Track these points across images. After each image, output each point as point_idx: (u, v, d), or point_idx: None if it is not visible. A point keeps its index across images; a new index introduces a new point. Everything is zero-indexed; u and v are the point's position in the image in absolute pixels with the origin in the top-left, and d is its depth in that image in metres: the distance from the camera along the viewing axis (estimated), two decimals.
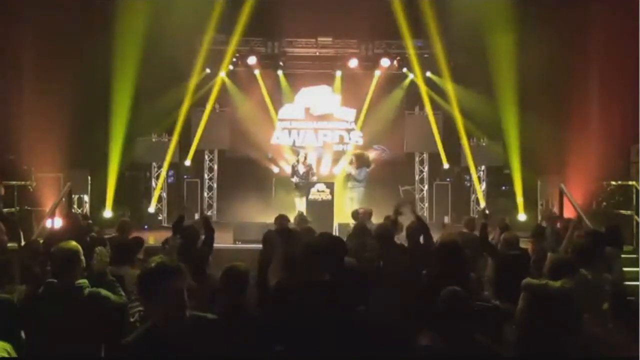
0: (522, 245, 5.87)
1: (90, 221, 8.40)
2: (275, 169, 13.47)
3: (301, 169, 11.00)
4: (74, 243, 3.78)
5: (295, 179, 10.98)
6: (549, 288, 4.15)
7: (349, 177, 11.05)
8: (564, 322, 3.99)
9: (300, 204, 10.75)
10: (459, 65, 12.54)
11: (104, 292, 3.70)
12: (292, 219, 10.29)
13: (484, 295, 5.28)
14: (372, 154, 13.48)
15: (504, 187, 12.94)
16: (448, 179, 13.54)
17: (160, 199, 12.96)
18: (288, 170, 13.11)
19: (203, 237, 5.66)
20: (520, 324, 4.21)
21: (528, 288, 4.27)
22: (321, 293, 3.58)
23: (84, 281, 3.64)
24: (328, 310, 3.45)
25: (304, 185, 10.74)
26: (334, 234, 9.16)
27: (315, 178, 11.12)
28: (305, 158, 11.29)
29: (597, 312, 4.11)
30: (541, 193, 11.88)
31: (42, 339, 3.49)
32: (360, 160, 11.18)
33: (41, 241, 5.78)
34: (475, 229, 6.57)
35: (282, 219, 6.68)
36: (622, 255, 5.98)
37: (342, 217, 10.38)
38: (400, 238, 6.08)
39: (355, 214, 7.95)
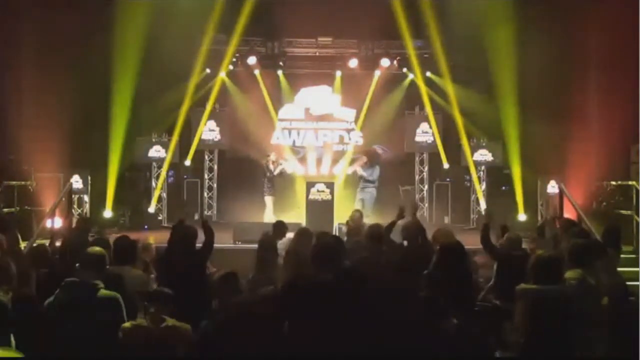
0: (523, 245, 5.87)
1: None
2: (287, 168, 13.42)
3: (274, 169, 10.96)
4: (101, 249, 3.98)
5: (268, 175, 10.95)
6: (547, 292, 3.98)
7: (360, 178, 10.91)
8: (568, 326, 3.92)
9: (270, 202, 10.83)
10: (459, 65, 12.54)
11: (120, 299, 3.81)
12: (292, 215, 10.43)
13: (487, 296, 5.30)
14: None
15: (504, 187, 12.95)
16: (448, 179, 13.55)
17: (160, 199, 12.95)
18: (287, 170, 13.13)
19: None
20: (522, 333, 4.00)
21: (524, 295, 4.04)
22: (325, 291, 3.64)
23: (98, 281, 3.78)
24: (332, 307, 3.51)
25: (273, 184, 10.90)
26: (334, 234, 9.22)
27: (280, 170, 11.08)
28: (277, 159, 11.25)
29: (592, 315, 4.08)
30: (541, 193, 11.89)
31: (54, 340, 3.58)
32: (372, 158, 11.11)
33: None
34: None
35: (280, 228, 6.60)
36: (622, 255, 5.98)
37: (343, 217, 10.37)
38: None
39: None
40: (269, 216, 10.77)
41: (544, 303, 3.93)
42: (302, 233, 6.16)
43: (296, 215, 10.26)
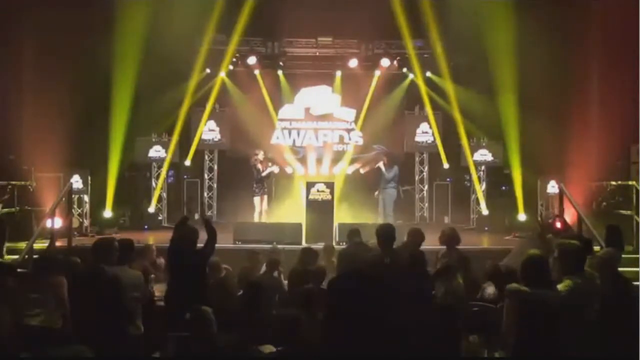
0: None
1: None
2: (275, 169, 13.42)
3: (260, 168, 10.83)
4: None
5: (256, 175, 10.84)
6: (537, 295, 3.91)
7: (381, 178, 11.14)
8: (558, 331, 3.89)
9: (258, 204, 10.76)
10: (459, 65, 12.53)
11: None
12: (292, 215, 10.43)
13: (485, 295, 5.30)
14: (373, 154, 13.51)
15: (504, 187, 12.95)
16: (448, 179, 13.55)
17: (160, 199, 12.94)
18: (289, 170, 13.14)
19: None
20: (512, 333, 3.96)
21: (514, 295, 3.98)
22: None
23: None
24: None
25: (261, 184, 10.80)
26: (334, 234, 9.23)
27: (268, 177, 11.09)
28: (265, 158, 11.13)
29: (585, 316, 4.07)
30: (541, 193, 11.88)
31: None
32: (390, 159, 11.30)
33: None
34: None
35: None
36: (622, 255, 5.97)
37: (343, 217, 10.37)
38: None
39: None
40: (257, 218, 10.73)
41: (534, 305, 3.90)
42: (306, 252, 6.18)
43: (296, 216, 10.25)
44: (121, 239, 5.17)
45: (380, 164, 11.25)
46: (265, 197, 10.93)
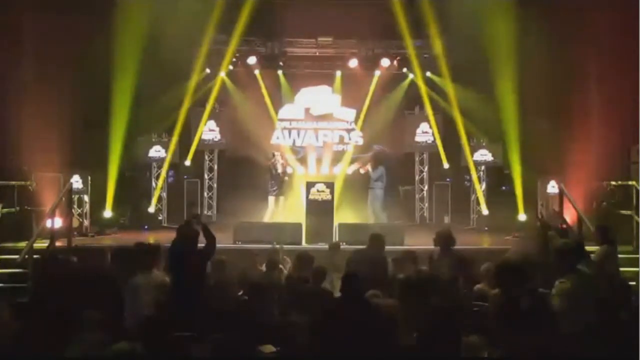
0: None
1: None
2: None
3: (279, 168, 10.97)
4: None
5: (274, 173, 10.94)
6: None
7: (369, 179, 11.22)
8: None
9: (273, 203, 10.81)
10: (459, 65, 12.52)
11: None
12: (292, 215, 10.44)
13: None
14: (372, 154, 13.50)
15: (504, 187, 12.95)
16: (448, 179, 13.55)
17: (160, 199, 12.95)
18: (289, 170, 13.10)
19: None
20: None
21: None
22: None
23: None
24: None
25: (280, 185, 10.90)
26: (334, 234, 9.23)
27: (287, 179, 11.27)
28: (282, 157, 11.28)
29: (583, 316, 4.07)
30: (541, 193, 11.88)
31: None
32: (377, 159, 11.38)
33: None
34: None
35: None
36: (622, 256, 5.97)
37: (343, 217, 10.37)
38: None
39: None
40: (269, 217, 10.74)
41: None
42: (301, 258, 6.14)
43: (296, 216, 10.25)
44: (145, 244, 5.23)
45: (368, 165, 11.30)
46: (282, 198, 10.98)
